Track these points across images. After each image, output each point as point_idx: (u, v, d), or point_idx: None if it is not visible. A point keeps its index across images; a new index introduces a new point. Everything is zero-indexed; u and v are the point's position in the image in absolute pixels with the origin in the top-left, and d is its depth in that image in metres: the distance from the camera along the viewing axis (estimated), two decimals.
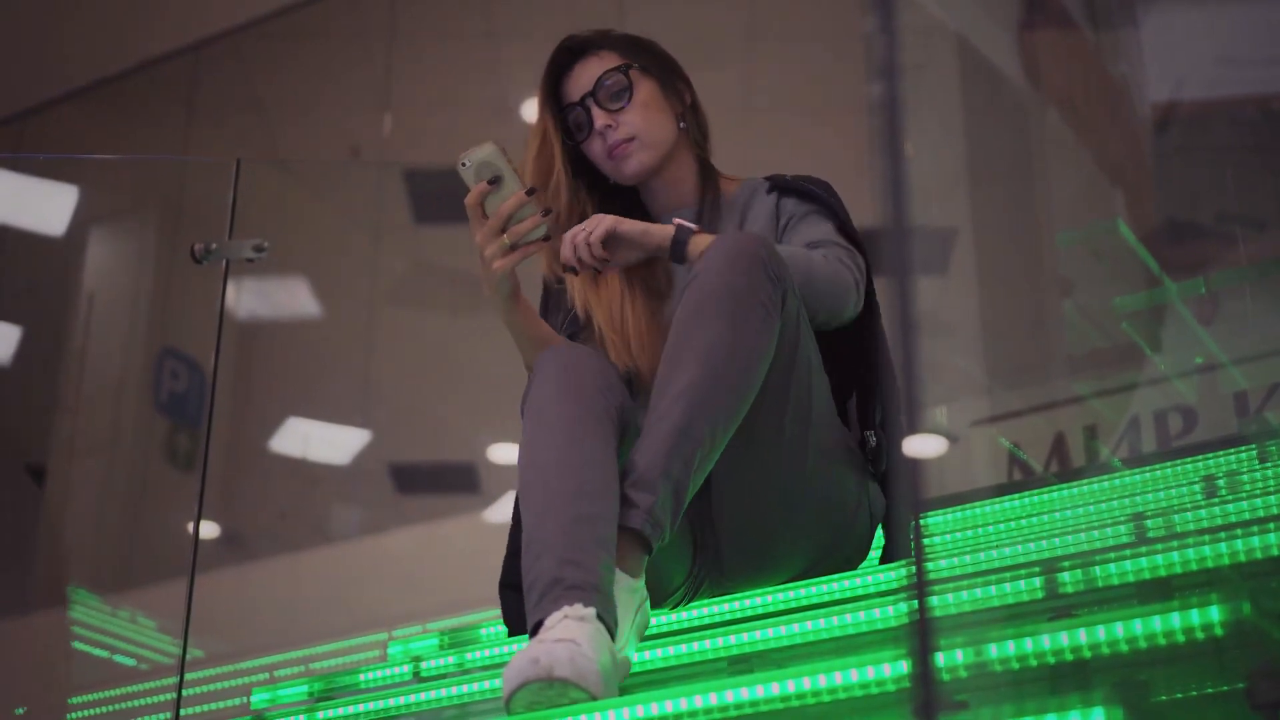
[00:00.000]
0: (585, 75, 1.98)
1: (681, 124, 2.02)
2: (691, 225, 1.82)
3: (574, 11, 6.30)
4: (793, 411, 1.76)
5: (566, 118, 1.98)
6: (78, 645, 5.25)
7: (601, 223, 1.82)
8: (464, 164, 1.74)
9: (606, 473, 1.58)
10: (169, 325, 6.68)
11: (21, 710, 4.44)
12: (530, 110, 6.45)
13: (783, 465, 1.79)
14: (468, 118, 6.53)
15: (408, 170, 6.53)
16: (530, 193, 1.76)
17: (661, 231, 1.83)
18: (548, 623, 1.45)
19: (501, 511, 5.84)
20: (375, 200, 6.65)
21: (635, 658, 1.60)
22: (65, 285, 6.82)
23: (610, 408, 1.66)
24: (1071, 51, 4.96)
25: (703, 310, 1.65)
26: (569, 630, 1.42)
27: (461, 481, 6.39)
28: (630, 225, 1.83)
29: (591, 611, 1.46)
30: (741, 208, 2.03)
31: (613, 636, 1.49)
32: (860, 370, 1.95)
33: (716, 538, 1.86)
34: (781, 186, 2.02)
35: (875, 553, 2.01)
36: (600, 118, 1.96)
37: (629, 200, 2.05)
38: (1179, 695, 1.24)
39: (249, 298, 6.46)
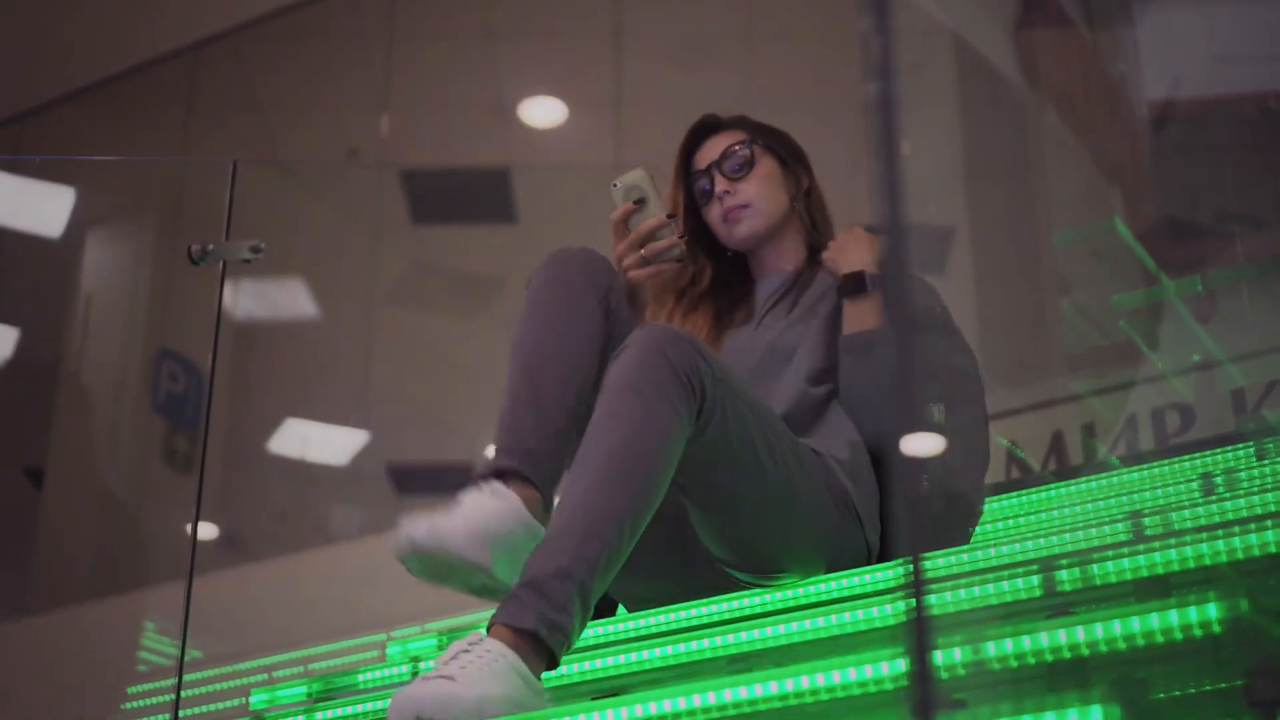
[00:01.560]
0: (714, 147, 2.20)
1: (795, 204, 2.22)
2: (846, 287, 2.06)
3: (572, 11, 6.31)
4: (742, 474, 1.79)
5: (692, 185, 2.20)
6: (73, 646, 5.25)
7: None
8: (615, 185, 1.94)
9: (575, 350, 1.80)
10: (167, 326, 6.68)
11: None
12: (527, 110, 6.45)
13: (753, 518, 1.83)
14: (466, 118, 6.53)
15: (406, 171, 6.53)
16: (670, 216, 1.96)
17: (847, 267, 2.09)
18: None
19: None
20: (373, 201, 6.65)
21: None
22: (63, 287, 6.82)
23: (591, 293, 1.86)
24: (1069, 50, 4.96)
25: (608, 408, 1.69)
26: (464, 504, 1.63)
27: (461, 482, 6.32)
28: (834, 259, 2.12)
29: (500, 485, 1.66)
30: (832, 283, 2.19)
31: (547, 501, 1.65)
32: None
33: (716, 561, 1.90)
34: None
35: None
36: (721, 184, 2.17)
37: (739, 269, 2.26)
38: (1177, 693, 1.24)
39: (247, 299, 6.46)
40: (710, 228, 2.23)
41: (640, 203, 1.95)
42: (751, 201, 2.17)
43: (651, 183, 1.94)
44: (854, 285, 2.06)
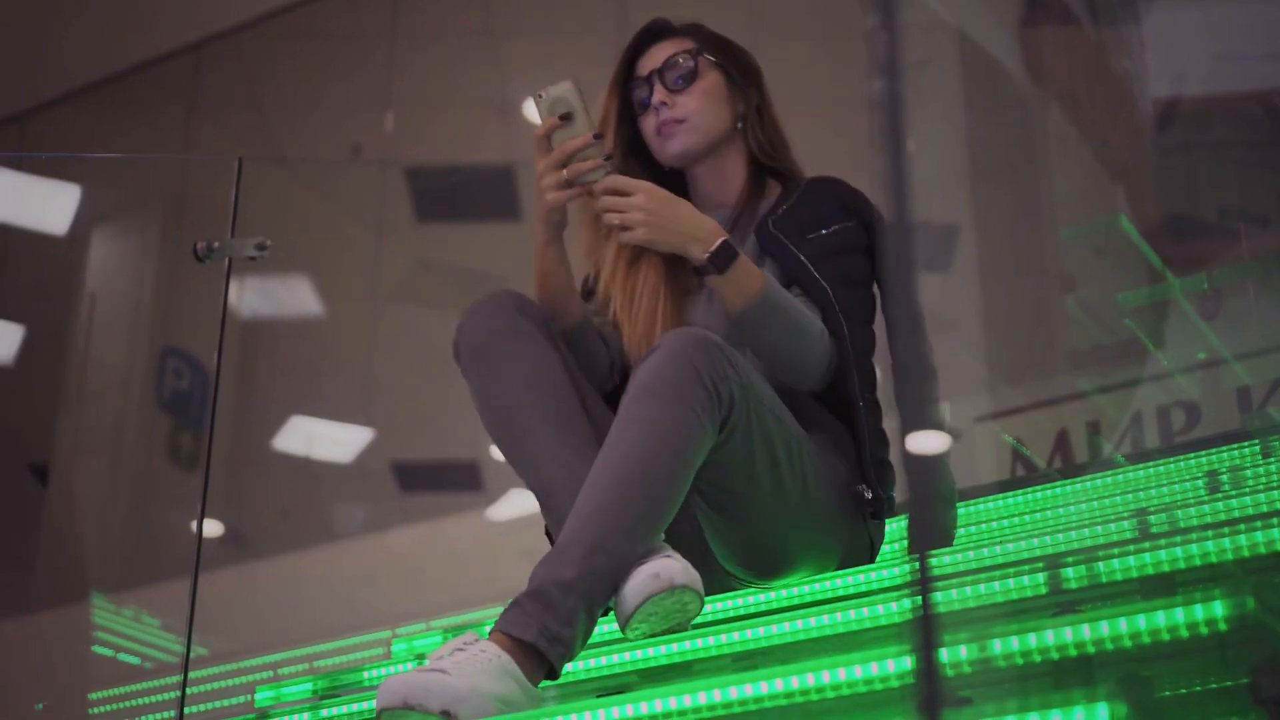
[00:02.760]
0: (658, 54, 2.03)
1: (739, 124, 2.05)
2: (712, 269, 1.79)
3: (574, 9, 6.31)
4: (765, 482, 1.77)
5: (632, 93, 2.04)
6: (79, 644, 5.26)
7: (634, 233, 1.81)
8: (539, 96, 1.79)
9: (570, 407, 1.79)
10: (171, 324, 6.69)
11: (40, 706, 4.44)
12: (531, 107, 6.45)
13: (768, 524, 1.81)
14: (469, 115, 6.53)
15: (409, 168, 6.53)
16: (598, 137, 1.81)
17: (689, 254, 1.81)
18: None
19: (504, 509, 5.85)
20: (377, 198, 6.65)
21: None
22: (68, 284, 6.83)
23: (545, 336, 1.83)
24: (1073, 48, 4.96)
25: (630, 414, 1.65)
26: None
27: (464, 479, 6.39)
28: (663, 244, 1.81)
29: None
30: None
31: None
32: (846, 424, 1.93)
33: (717, 561, 1.89)
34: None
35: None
36: (659, 94, 2.00)
37: (678, 188, 2.05)
38: (1183, 690, 1.24)
39: (252, 296, 6.47)
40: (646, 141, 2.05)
41: (566, 118, 1.79)
42: (689, 116, 2.00)
43: (580, 97, 1.79)
44: (723, 262, 1.80)
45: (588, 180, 1.81)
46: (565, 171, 1.81)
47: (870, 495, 1.89)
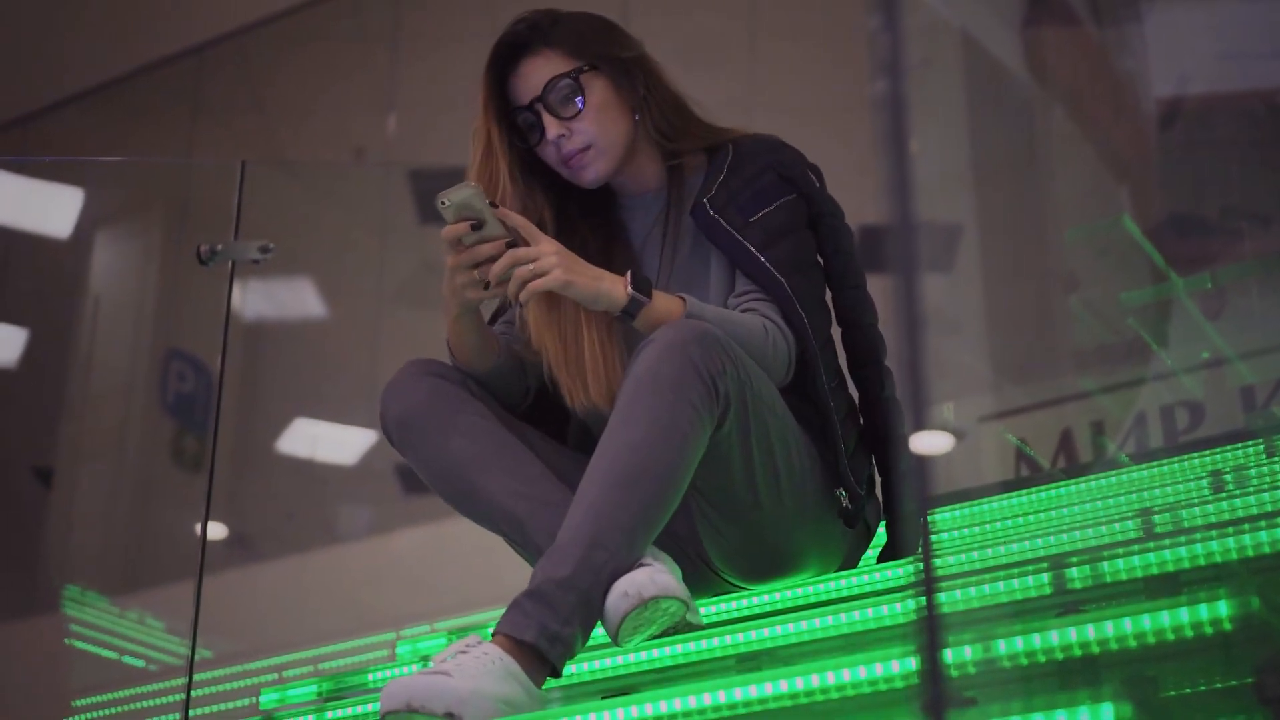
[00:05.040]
0: (533, 77, 1.88)
1: (637, 116, 1.91)
2: (643, 298, 1.73)
3: (576, 9, 6.30)
4: (762, 481, 1.75)
5: (514, 119, 1.89)
6: (84, 646, 5.27)
7: (552, 275, 1.69)
8: (443, 203, 1.69)
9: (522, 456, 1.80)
10: (175, 327, 6.69)
11: None
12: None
13: (765, 526, 1.79)
14: (472, 117, 6.53)
15: (412, 170, 6.53)
16: (511, 244, 1.71)
17: (611, 295, 1.72)
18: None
19: None
20: (380, 201, 6.66)
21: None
22: (71, 287, 6.84)
23: (469, 394, 1.82)
24: (1076, 48, 4.96)
25: (626, 409, 1.63)
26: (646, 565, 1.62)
27: None
28: (581, 285, 1.71)
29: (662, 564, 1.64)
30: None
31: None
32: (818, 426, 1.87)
33: (711, 564, 1.88)
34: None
35: (873, 551, 2.01)
36: (553, 127, 1.85)
37: (590, 190, 1.95)
38: (1187, 690, 1.24)
39: (255, 299, 6.47)
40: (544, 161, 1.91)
41: (476, 225, 1.70)
42: (593, 141, 1.85)
43: (484, 200, 1.70)
44: (646, 287, 1.74)
45: (505, 279, 1.71)
46: (478, 273, 1.71)
47: (847, 502, 1.85)
